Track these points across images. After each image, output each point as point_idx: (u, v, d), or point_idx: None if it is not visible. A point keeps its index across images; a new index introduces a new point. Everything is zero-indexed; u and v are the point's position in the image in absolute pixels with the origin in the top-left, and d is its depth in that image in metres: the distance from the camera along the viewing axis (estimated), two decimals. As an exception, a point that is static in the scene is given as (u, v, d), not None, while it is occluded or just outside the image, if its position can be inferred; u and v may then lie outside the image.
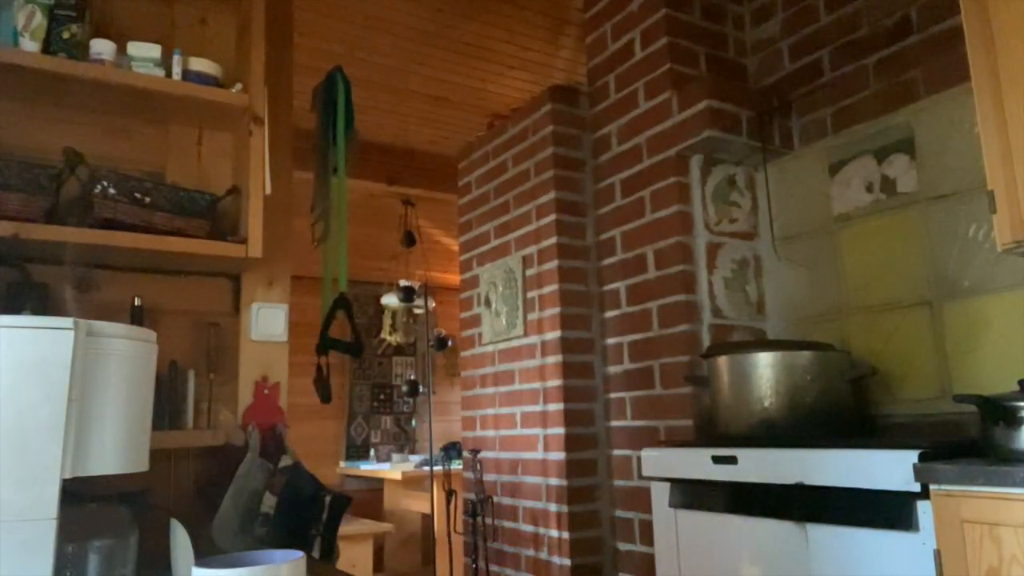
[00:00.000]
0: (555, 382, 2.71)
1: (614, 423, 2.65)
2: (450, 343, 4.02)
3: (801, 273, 2.43)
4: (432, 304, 4.68)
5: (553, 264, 2.80)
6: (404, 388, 6.43)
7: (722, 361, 2.16)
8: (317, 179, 2.18)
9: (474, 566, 2.86)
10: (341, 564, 1.69)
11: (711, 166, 2.51)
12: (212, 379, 1.74)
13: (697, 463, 1.99)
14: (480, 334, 3.24)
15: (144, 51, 1.62)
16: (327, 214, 2.14)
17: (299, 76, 2.02)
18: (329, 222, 2.14)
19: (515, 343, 2.98)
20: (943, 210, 2.05)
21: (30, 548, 0.82)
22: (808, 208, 2.42)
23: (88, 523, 1.03)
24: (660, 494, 2.12)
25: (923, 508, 1.46)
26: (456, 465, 4.55)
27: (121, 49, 1.60)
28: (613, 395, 2.66)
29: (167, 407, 1.63)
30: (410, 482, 5.11)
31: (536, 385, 2.83)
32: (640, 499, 2.46)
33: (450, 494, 3.06)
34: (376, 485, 5.64)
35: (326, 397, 2.06)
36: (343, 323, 2.08)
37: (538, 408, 2.81)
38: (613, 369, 2.67)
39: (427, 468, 4.52)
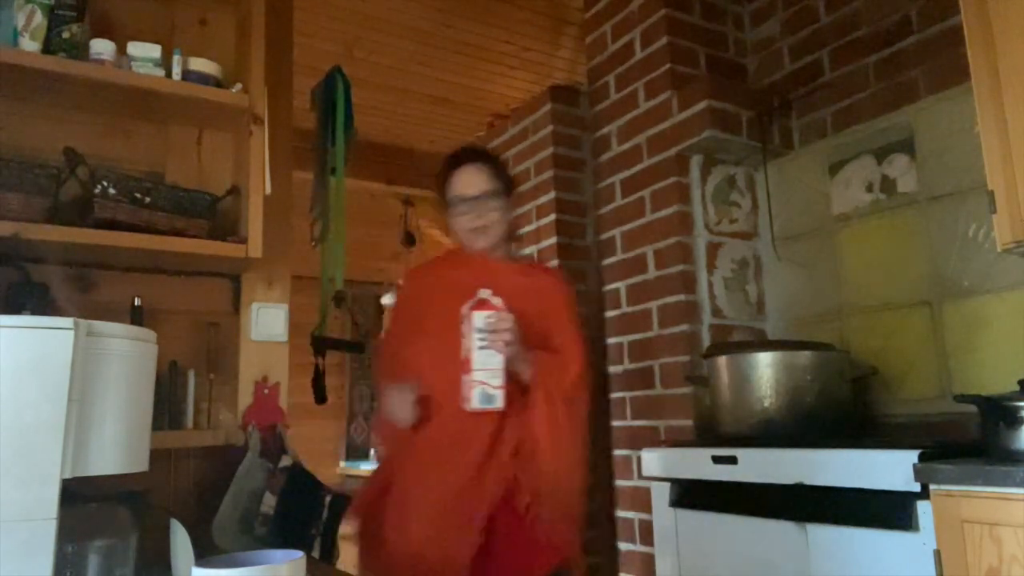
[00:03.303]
0: (555, 382, 2.71)
1: (614, 423, 2.65)
2: (450, 343, 4.01)
3: (801, 273, 2.43)
4: (432, 304, 4.68)
5: (553, 264, 2.80)
6: (404, 388, 6.44)
7: (722, 361, 2.16)
8: (316, 179, 2.19)
9: (474, 566, 2.86)
10: (341, 564, 1.69)
11: (711, 166, 2.51)
12: (212, 379, 1.74)
13: (697, 463, 1.99)
14: (480, 334, 3.24)
15: (144, 51, 1.61)
16: (326, 214, 2.14)
17: (299, 76, 2.02)
18: (328, 222, 2.14)
19: (515, 343, 2.98)
20: (943, 210, 2.05)
21: (30, 548, 0.82)
22: (808, 208, 2.42)
23: (88, 523, 1.03)
24: (660, 494, 2.11)
25: (923, 508, 1.46)
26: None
27: (121, 49, 1.60)
28: (613, 395, 2.66)
29: (167, 407, 1.63)
30: (410, 482, 5.10)
31: (536, 385, 2.83)
32: (640, 499, 2.46)
33: (450, 494, 3.05)
34: (376, 485, 5.63)
35: (321, 398, 2.05)
36: (344, 322, 2.08)
37: (538, 408, 2.81)
38: (613, 369, 2.67)
39: (427, 468, 4.52)
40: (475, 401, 1.52)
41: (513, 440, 1.58)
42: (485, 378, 1.52)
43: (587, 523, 1.71)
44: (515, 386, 1.58)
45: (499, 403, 1.52)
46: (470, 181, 1.75)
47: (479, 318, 1.53)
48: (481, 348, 1.52)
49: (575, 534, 1.68)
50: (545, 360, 1.63)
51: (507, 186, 1.80)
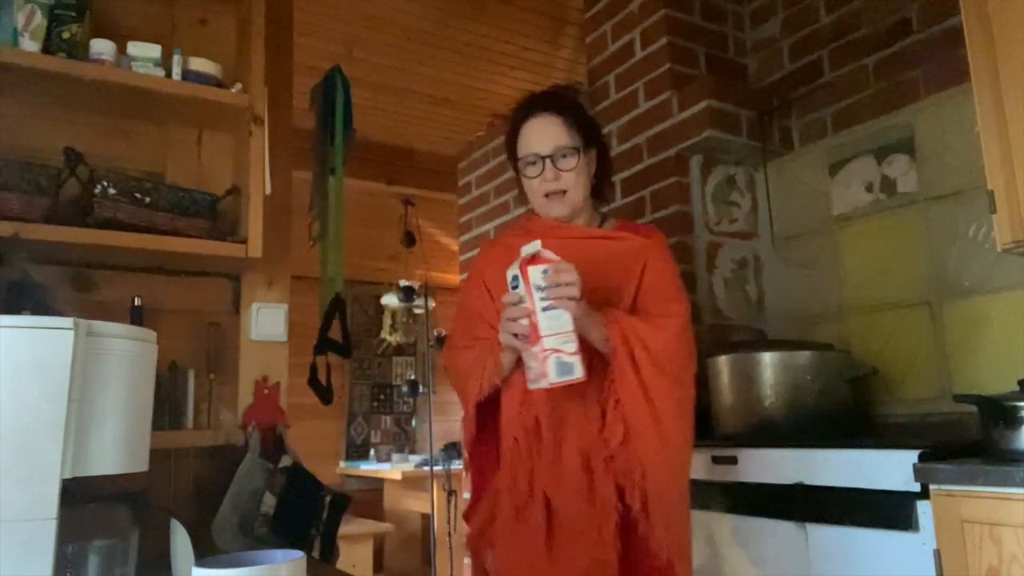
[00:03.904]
0: (555, 382, 2.70)
1: (614, 423, 2.64)
2: (450, 343, 4.00)
3: (801, 273, 2.42)
4: (432, 304, 4.68)
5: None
6: (404, 388, 6.43)
7: (722, 361, 2.16)
8: (315, 179, 2.19)
9: (474, 566, 2.85)
10: (341, 564, 1.69)
11: (711, 166, 2.51)
12: (212, 379, 1.74)
13: (697, 463, 1.99)
14: (480, 334, 3.23)
15: (144, 51, 1.61)
16: (325, 214, 2.14)
17: (299, 76, 2.02)
18: (327, 222, 2.14)
19: (515, 343, 2.97)
20: (943, 210, 2.05)
21: (30, 548, 0.82)
22: (808, 208, 2.42)
23: (88, 523, 1.03)
24: (660, 494, 2.11)
25: (923, 508, 1.46)
26: (456, 465, 4.54)
27: (121, 49, 1.60)
28: (613, 395, 2.65)
29: (167, 407, 1.63)
30: (410, 482, 5.11)
31: (536, 385, 2.82)
32: (640, 499, 2.46)
33: (450, 494, 3.06)
34: (376, 485, 5.64)
35: (327, 399, 2.05)
36: (339, 322, 2.08)
37: (538, 408, 2.80)
38: (613, 369, 2.66)
39: (427, 468, 4.53)
40: (552, 375, 1.24)
41: (616, 423, 1.34)
42: (557, 344, 1.24)
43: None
44: (599, 358, 1.35)
45: (579, 373, 1.25)
46: (541, 136, 1.45)
47: (535, 274, 1.26)
48: (545, 309, 1.25)
49: (685, 541, 1.42)
50: (625, 319, 1.36)
51: (588, 138, 1.49)
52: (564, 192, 1.45)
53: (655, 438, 1.35)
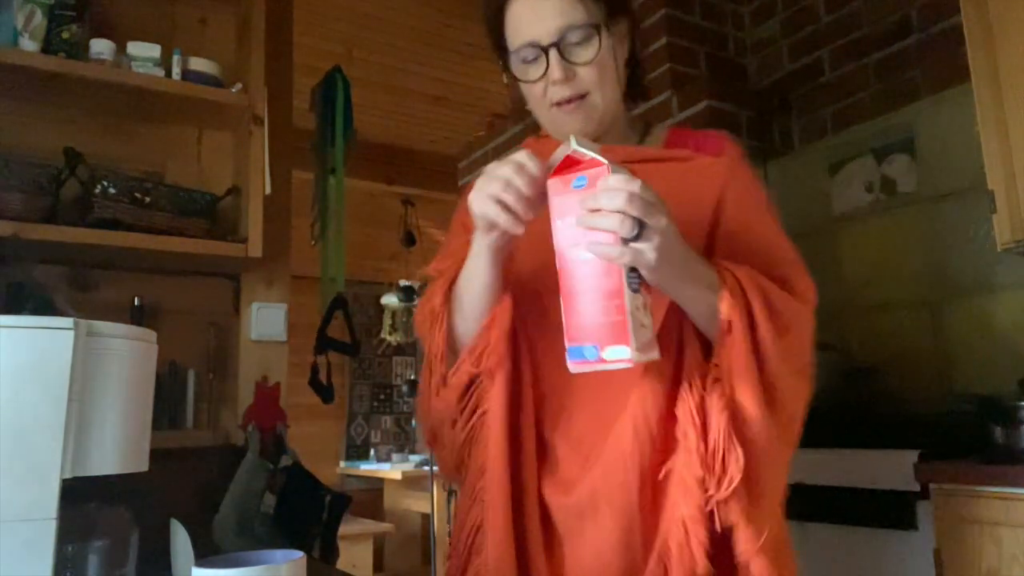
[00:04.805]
0: (555, 382, 2.70)
1: (614, 423, 2.64)
2: (450, 343, 4.00)
3: (801, 273, 2.42)
4: (432, 304, 4.67)
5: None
6: (404, 388, 6.44)
7: (722, 361, 2.16)
8: (316, 179, 2.19)
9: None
10: (341, 564, 1.69)
11: (711, 166, 2.51)
12: (212, 379, 1.74)
13: (697, 463, 1.99)
14: (480, 334, 3.23)
15: (144, 51, 1.62)
16: (325, 213, 2.14)
17: (299, 76, 2.02)
18: (327, 221, 2.14)
19: (515, 343, 2.97)
20: (943, 210, 2.05)
21: (30, 548, 0.82)
22: (808, 208, 2.42)
23: (88, 523, 1.03)
24: (660, 494, 2.11)
25: (923, 508, 1.46)
26: (456, 465, 4.54)
27: (121, 49, 1.60)
28: (613, 395, 2.65)
29: (167, 407, 1.63)
30: (410, 482, 5.11)
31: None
32: (640, 499, 2.46)
33: (450, 494, 3.05)
34: (376, 485, 5.64)
35: (328, 397, 2.05)
36: (342, 322, 2.08)
37: (538, 408, 2.80)
38: (613, 369, 2.66)
39: (427, 468, 4.53)
40: (638, 347, 0.71)
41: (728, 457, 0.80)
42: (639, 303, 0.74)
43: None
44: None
45: (654, 351, 0.76)
46: (538, 13, 0.91)
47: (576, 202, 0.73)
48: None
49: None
50: (746, 277, 0.83)
51: (613, 6, 0.95)
52: (583, 97, 0.93)
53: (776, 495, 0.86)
